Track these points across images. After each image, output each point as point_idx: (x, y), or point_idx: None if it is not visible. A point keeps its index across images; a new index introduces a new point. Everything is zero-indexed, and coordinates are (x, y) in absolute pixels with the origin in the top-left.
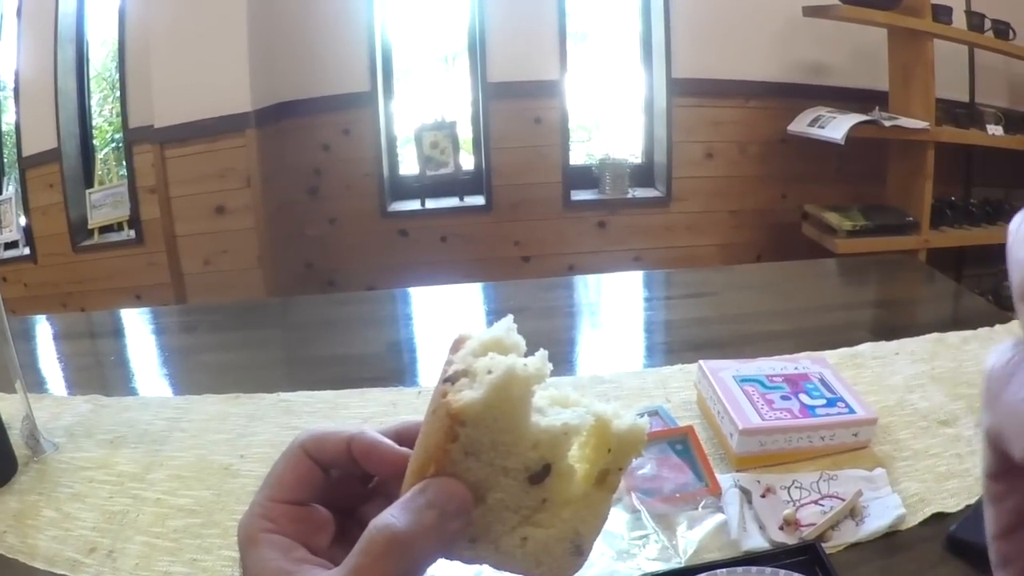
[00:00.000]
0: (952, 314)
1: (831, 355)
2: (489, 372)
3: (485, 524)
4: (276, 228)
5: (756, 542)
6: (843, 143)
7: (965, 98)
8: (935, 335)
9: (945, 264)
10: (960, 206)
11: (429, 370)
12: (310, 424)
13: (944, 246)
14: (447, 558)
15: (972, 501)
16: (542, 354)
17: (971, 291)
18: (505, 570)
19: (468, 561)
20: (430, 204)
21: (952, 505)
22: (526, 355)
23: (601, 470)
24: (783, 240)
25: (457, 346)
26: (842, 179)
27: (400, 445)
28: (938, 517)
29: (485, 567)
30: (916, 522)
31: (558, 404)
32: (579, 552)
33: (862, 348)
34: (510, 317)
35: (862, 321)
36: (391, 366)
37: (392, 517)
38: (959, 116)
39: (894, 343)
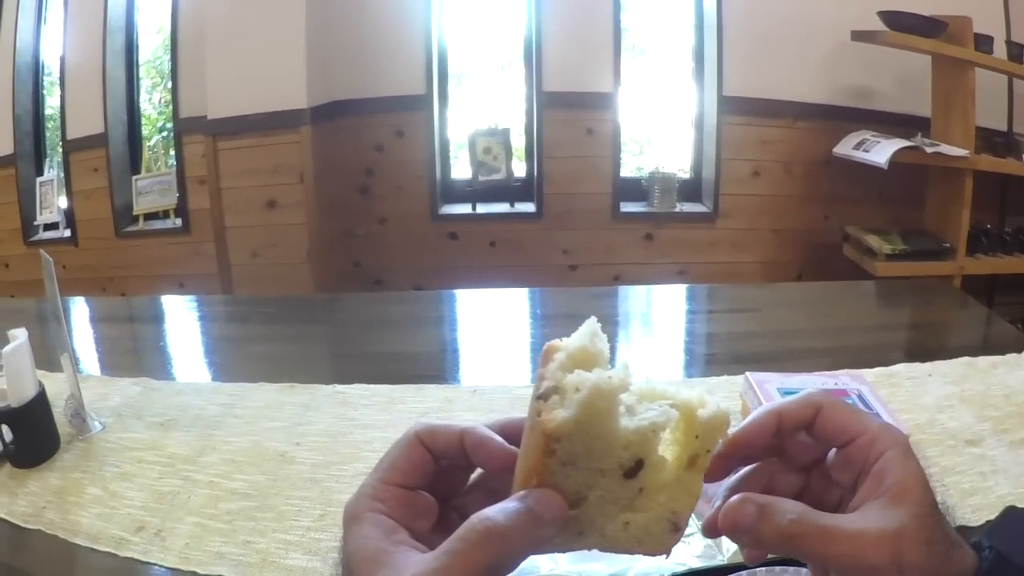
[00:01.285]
0: (983, 339)
1: (868, 373)
2: (577, 390)
3: (590, 518)
4: (326, 225)
5: None
6: (887, 167)
7: (1003, 127)
8: (966, 359)
9: (978, 290)
10: (995, 234)
11: (480, 371)
12: (366, 416)
13: (978, 273)
14: (560, 551)
15: (992, 516)
16: (624, 365)
17: (1001, 318)
18: (611, 552)
19: (577, 549)
20: (481, 209)
21: (974, 520)
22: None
23: (691, 455)
24: (824, 260)
25: (547, 357)
26: (883, 202)
27: (507, 440)
28: (961, 530)
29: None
30: None
31: (645, 398)
32: (676, 528)
33: (897, 368)
34: (593, 320)
35: (898, 342)
36: (443, 365)
37: (493, 512)
38: (997, 145)
39: (927, 365)
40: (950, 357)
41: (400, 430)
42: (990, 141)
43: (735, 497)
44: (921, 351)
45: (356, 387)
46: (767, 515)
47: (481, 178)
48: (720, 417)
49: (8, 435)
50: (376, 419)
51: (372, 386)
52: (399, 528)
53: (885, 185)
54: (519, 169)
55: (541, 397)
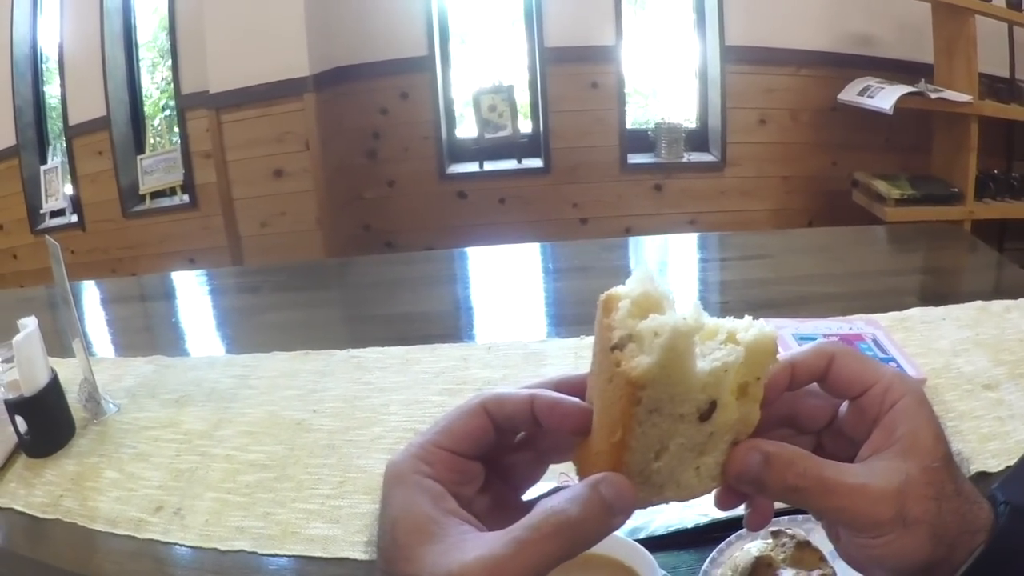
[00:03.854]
0: (995, 284)
1: (882, 318)
2: (656, 335)
3: (670, 469)
4: (334, 191)
5: None
6: (891, 113)
7: (1006, 74)
8: (979, 303)
9: (988, 236)
10: (1002, 179)
11: (495, 328)
12: (382, 379)
13: (987, 218)
14: (640, 508)
15: (1012, 462)
16: (696, 305)
17: (1012, 263)
18: (686, 500)
19: (656, 504)
20: (488, 167)
21: (994, 465)
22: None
23: (740, 384)
24: (833, 206)
25: (608, 307)
26: (890, 148)
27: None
28: (981, 476)
29: None
30: None
31: (706, 337)
32: None
33: (911, 312)
34: (645, 265)
35: (910, 286)
36: (457, 323)
37: (567, 503)
38: (1000, 91)
39: (941, 309)
40: (963, 301)
41: (416, 391)
42: (993, 87)
43: (742, 444)
44: (934, 295)
45: (371, 350)
46: (772, 465)
47: (487, 136)
48: (764, 340)
49: (23, 426)
50: (392, 381)
51: (387, 348)
52: (447, 495)
53: (891, 131)
54: (525, 126)
55: (616, 347)
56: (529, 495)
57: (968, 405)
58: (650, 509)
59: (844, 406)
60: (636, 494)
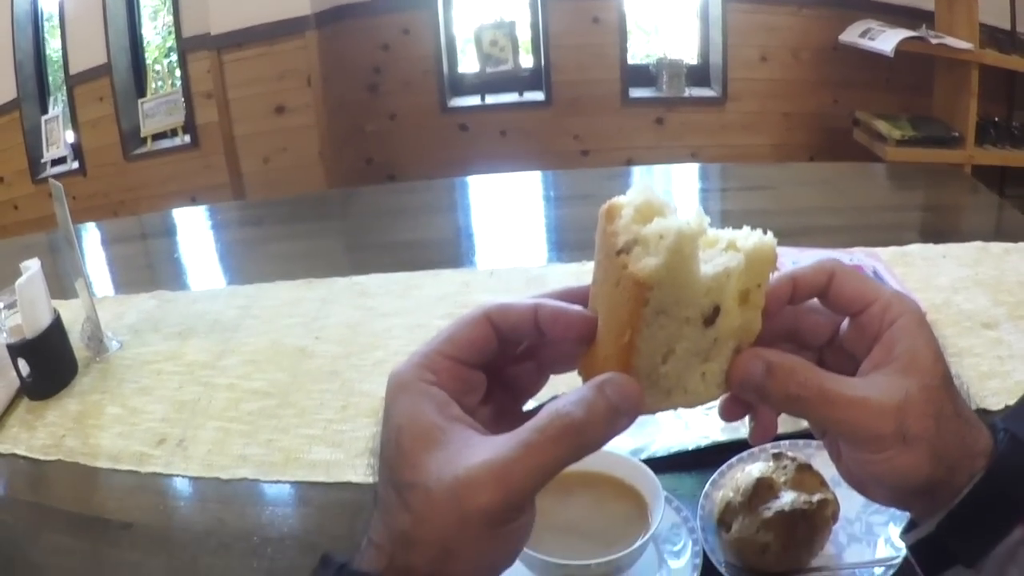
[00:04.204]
0: (995, 226)
1: (882, 251)
2: (661, 237)
3: (677, 373)
4: (336, 125)
5: None
6: (892, 56)
7: (1007, 25)
8: (979, 243)
9: (988, 183)
10: (1003, 127)
11: (496, 254)
12: (385, 304)
13: (988, 164)
14: (648, 413)
15: (1012, 401)
16: (699, 210)
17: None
18: (692, 406)
19: (664, 410)
20: (490, 100)
21: (994, 403)
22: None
23: (742, 291)
24: (834, 144)
25: (612, 215)
26: (891, 89)
27: None
28: (981, 414)
29: None
30: None
31: (707, 245)
32: None
33: (911, 248)
34: (643, 176)
35: (911, 223)
36: (459, 250)
37: (572, 405)
38: (1001, 41)
39: (941, 247)
40: (963, 241)
41: (418, 316)
42: (994, 37)
43: (746, 351)
44: (934, 233)
45: (373, 277)
46: (774, 373)
47: (489, 70)
48: (764, 248)
49: (25, 368)
50: (394, 306)
51: (389, 275)
52: (452, 402)
53: (892, 73)
54: (526, 61)
55: (622, 251)
56: (528, 407)
57: (968, 342)
58: (650, 429)
59: (845, 323)
60: (642, 394)
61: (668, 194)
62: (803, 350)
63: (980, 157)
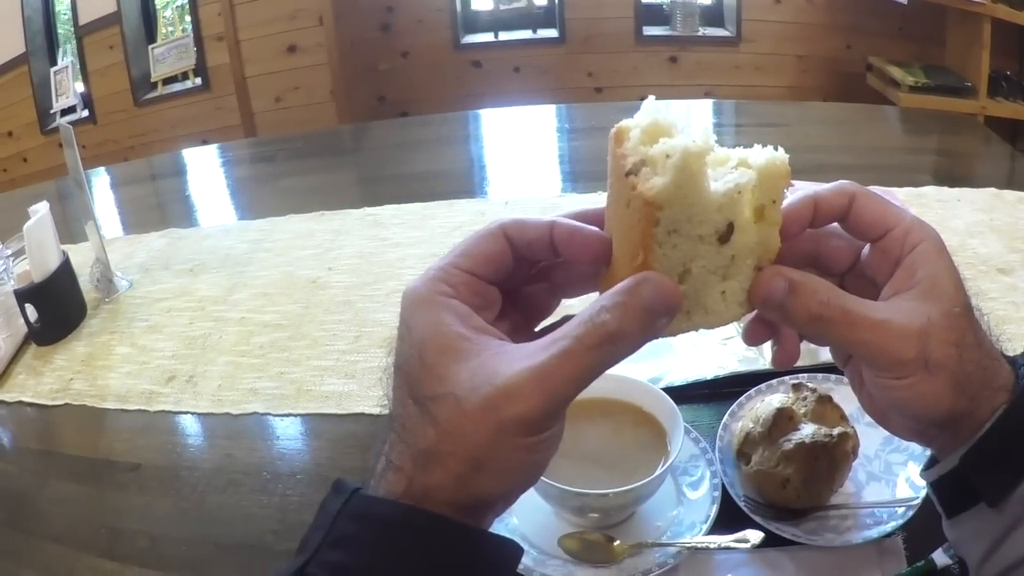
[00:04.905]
0: (1008, 174)
1: (898, 191)
2: (668, 156)
3: (695, 292)
4: (348, 64)
5: None
6: (906, 4)
7: None
8: (993, 190)
9: (1000, 135)
10: (1015, 81)
11: (511, 184)
12: (399, 235)
13: (1000, 115)
14: (669, 335)
15: None
16: (705, 129)
17: None
18: (715, 327)
19: (685, 332)
20: (503, 36)
21: (1010, 349)
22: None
23: (756, 207)
24: (847, 88)
25: (620, 138)
26: (904, 37)
27: None
28: None
29: None
30: None
31: (717, 164)
32: None
33: (926, 190)
34: (652, 98)
35: (925, 165)
36: (473, 181)
37: (607, 313)
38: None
39: (955, 190)
40: (977, 187)
41: (432, 245)
42: None
43: (768, 269)
44: (948, 177)
45: (387, 208)
46: (797, 292)
47: (502, 7)
48: (775, 164)
49: (33, 314)
50: (408, 236)
51: (403, 205)
52: (473, 314)
53: (905, 20)
54: None
55: (630, 173)
56: (540, 326)
57: (983, 286)
58: (667, 358)
59: (866, 250)
60: (678, 291)
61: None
62: (825, 276)
63: (992, 109)
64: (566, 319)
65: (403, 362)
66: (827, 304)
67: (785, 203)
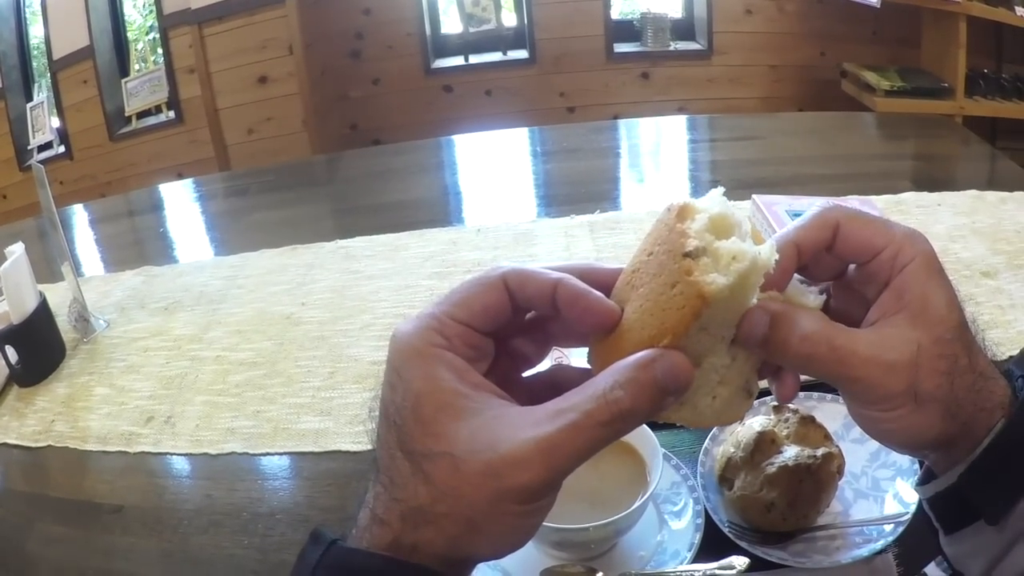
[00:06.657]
0: (989, 175)
1: (877, 200)
2: (735, 259)
3: (695, 389)
4: (320, 92)
5: None
6: (879, 7)
7: None
8: (974, 192)
9: (979, 135)
10: (992, 79)
11: (484, 211)
12: (371, 267)
13: (978, 115)
14: (652, 419)
15: (1015, 352)
16: (771, 244)
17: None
18: (693, 427)
19: (665, 420)
20: (473, 59)
21: (998, 353)
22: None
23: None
24: (822, 96)
25: (684, 215)
26: (878, 41)
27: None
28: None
29: None
30: None
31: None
32: (749, 395)
33: (906, 196)
34: (721, 190)
35: (904, 171)
36: (446, 209)
37: (621, 390)
38: None
39: (936, 195)
40: (957, 190)
41: (405, 276)
42: None
43: (754, 307)
44: (928, 181)
45: (358, 240)
46: (779, 326)
47: (472, 30)
48: (761, 264)
49: (13, 356)
50: (381, 268)
51: (375, 236)
52: (471, 368)
53: (878, 24)
54: (509, 19)
55: (689, 255)
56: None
57: (968, 290)
58: None
59: (852, 267)
60: (693, 372)
61: (657, 150)
62: (813, 282)
63: (970, 108)
64: (556, 368)
65: (393, 412)
66: (810, 339)
67: (767, 248)
